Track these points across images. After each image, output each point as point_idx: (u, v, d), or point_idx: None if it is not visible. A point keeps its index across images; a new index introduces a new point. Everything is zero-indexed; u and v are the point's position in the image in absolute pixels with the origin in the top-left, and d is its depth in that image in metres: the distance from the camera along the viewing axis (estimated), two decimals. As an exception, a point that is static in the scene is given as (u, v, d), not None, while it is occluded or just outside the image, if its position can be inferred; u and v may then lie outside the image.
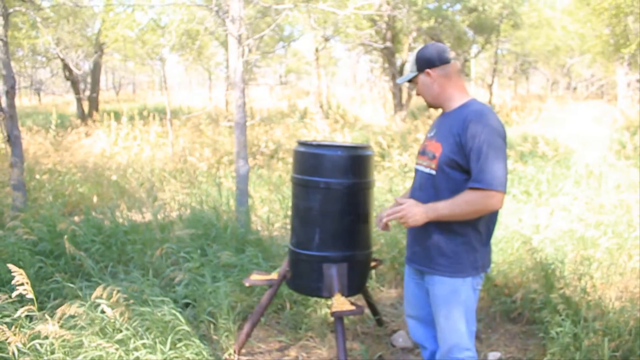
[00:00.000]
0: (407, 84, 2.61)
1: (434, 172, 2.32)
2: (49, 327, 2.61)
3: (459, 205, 2.20)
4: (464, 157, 2.23)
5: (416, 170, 2.49)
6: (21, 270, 2.78)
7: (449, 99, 2.39)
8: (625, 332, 3.08)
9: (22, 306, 2.78)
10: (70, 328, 2.80)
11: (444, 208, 2.22)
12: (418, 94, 2.49)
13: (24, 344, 2.61)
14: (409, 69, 2.46)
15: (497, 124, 2.23)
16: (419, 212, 2.22)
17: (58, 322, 2.73)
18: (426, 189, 2.36)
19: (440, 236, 2.33)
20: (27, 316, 2.86)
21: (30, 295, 2.72)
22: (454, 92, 2.38)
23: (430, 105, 2.46)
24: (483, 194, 2.17)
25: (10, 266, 2.79)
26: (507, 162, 2.29)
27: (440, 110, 2.49)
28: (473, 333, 2.44)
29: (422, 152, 2.45)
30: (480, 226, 2.33)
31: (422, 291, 2.54)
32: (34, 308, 2.73)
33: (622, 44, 15.40)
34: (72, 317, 2.88)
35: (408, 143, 9.77)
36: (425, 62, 2.38)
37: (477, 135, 2.19)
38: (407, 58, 2.65)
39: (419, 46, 2.51)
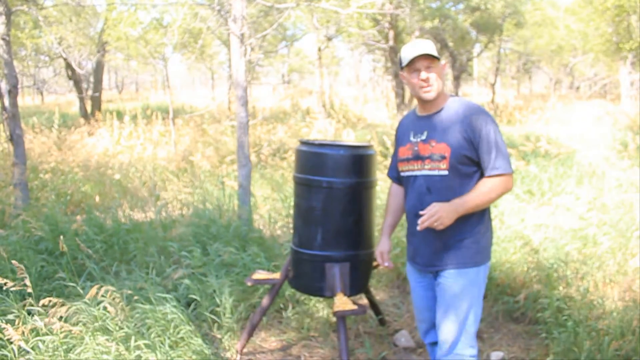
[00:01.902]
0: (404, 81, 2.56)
1: (446, 172, 2.33)
2: (49, 321, 2.62)
3: (484, 194, 2.30)
4: (474, 150, 2.31)
5: (414, 177, 2.42)
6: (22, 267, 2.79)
7: (442, 95, 2.41)
8: (628, 332, 3.07)
9: (24, 305, 2.79)
10: (72, 325, 2.80)
11: (472, 200, 2.29)
12: (423, 81, 2.33)
13: (26, 341, 2.61)
14: (432, 51, 2.32)
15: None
16: (450, 211, 2.26)
17: (58, 318, 2.73)
18: (438, 190, 2.35)
19: (465, 230, 2.36)
20: (29, 313, 2.87)
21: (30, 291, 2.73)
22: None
23: (428, 99, 2.37)
24: (503, 178, 2.30)
25: (14, 262, 2.81)
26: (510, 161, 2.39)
27: (417, 112, 2.48)
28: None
29: (416, 157, 2.40)
30: (487, 210, 2.44)
31: (430, 292, 2.54)
32: (33, 301, 2.74)
33: (624, 42, 15.37)
34: (75, 314, 2.88)
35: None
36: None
37: (483, 126, 2.30)
38: (418, 43, 2.60)
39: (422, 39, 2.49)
